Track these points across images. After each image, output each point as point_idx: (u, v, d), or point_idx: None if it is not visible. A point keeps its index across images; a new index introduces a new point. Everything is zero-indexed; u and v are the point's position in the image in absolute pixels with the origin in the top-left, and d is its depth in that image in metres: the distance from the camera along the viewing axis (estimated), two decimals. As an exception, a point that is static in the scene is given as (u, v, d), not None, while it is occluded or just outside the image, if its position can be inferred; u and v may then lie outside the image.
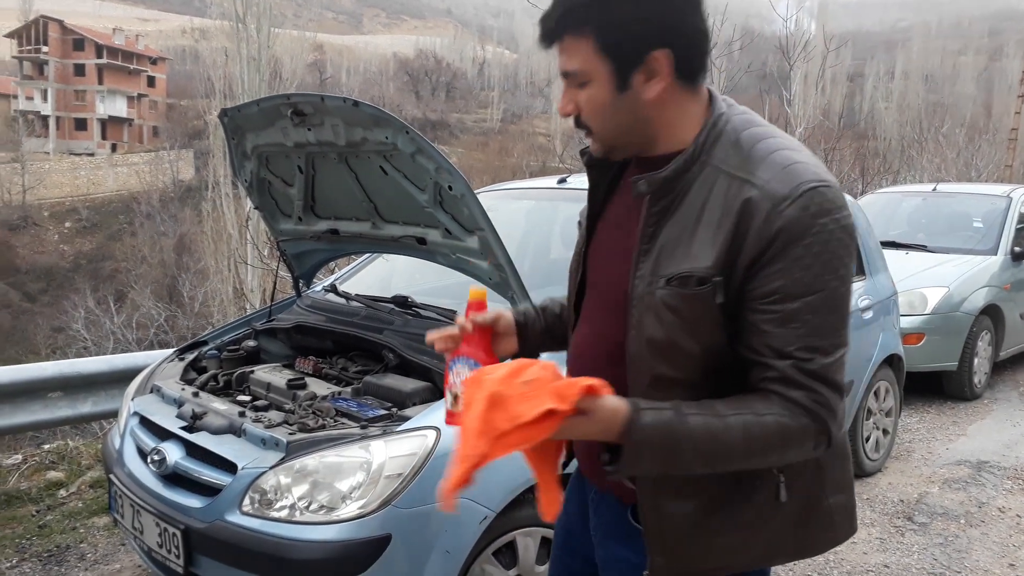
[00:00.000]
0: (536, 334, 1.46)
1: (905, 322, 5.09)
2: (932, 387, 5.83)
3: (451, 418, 1.31)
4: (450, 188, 2.42)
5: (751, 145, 1.16)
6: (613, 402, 1.08)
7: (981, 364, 5.90)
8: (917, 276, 5.77)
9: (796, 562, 3.24)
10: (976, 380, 5.83)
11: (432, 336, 1.34)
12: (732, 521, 1.21)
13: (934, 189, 7.36)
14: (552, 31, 1.17)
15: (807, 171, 1.12)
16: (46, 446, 4.48)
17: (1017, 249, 6.24)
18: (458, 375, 1.31)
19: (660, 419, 1.09)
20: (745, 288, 1.12)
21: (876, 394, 4.15)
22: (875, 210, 6.66)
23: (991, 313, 5.97)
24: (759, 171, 1.13)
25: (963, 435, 5.02)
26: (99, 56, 52.88)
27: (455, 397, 1.30)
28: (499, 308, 1.40)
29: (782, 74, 14.10)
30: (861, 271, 4.16)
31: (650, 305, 1.17)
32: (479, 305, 1.36)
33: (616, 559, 1.33)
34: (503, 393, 1.05)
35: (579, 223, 1.42)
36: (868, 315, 3.97)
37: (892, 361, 4.24)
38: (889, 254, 4.72)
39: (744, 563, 1.26)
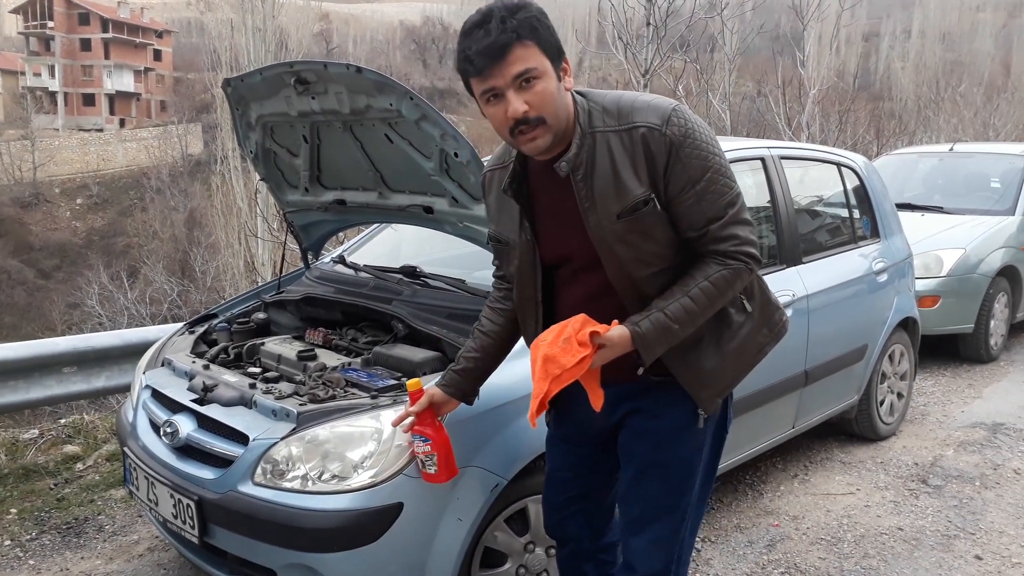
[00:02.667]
0: (469, 383, 1.96)
1: (920, 285, 5.03)
2: (948, 350, 5.79)
3: (425, 477, 1.97)
4: (456, 155, 2.38)
5: (615, 106, 1.66)
6: (616, 331, 1.64)
7: (997, 326, 5.84)
8: (933, 238, 5.69)
9: (810, 525, 3.25)
10: (992, 342, 5.78)
11: (394, 421, 1.98)
12: (730, 342, 1.76)
13: (951, 149, 7.21)
14: (505, 44, 1.53)
15: (661, 103, 1.65)
16: (62, 420, 4.53)
17: (1035, 209, 6.13)
18: (417, 447, 1.93)
19: (651, 321, 1.65)
20: (668, 191, 1.64)
21: (891, 358, 4.12)
22: (890, 172, 6.53)
23: (1008, 274, 5.89)
24: (636, 116, 1.63)
25: (979, 397, 4.99)
26: (105, 30, 52.53)
27: (421, 462, 1.95)
28: (430, 388, 1.93)
29: (795, 35, 13.81)
30: (876, 233, 4.10)
31: (615, 238, 1.65)
32: (417, 393, 1.91)
33: (641, 424, 1.81)
34: (550, 353, 1.61)
35: (491, 239, 1.86)
36: (883, 278, 3.92)
37: (907, 324, 4.20)
38: (904, 216, 4.64)
39: (746, 368, 1.82)
